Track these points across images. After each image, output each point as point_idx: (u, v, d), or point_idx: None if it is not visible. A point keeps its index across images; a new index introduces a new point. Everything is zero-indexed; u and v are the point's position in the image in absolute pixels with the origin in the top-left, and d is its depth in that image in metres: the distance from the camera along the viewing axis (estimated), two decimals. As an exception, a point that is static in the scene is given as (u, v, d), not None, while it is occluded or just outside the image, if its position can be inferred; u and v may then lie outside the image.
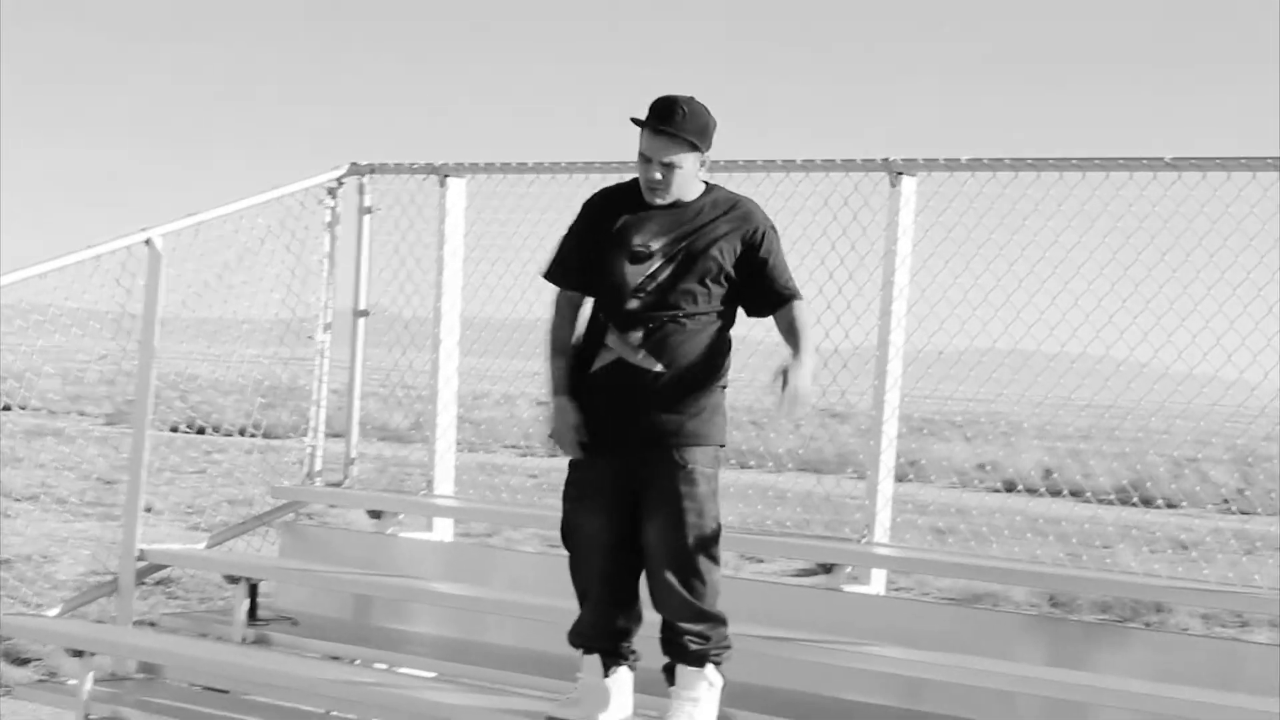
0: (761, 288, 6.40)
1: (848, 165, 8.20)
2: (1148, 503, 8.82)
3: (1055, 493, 20.85)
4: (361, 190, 9.69)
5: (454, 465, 9.43)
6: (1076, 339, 7.95)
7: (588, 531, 6.44)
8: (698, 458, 6.30)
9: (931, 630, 7.38)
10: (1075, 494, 19.84)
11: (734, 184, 8.52)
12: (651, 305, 6.32)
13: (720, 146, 6.51)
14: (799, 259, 8.37)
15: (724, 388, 6.43)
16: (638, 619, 6.50)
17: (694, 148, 6.33)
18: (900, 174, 8.03)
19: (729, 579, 6.67)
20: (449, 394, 9.40)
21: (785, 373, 6.14)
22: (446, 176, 9.41)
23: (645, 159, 6.36)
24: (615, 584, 6.44)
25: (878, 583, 7.95)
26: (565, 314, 6.53)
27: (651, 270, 6.33)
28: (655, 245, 6.36)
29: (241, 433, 9.90)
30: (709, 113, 6.39)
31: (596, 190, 6.66)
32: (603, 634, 6.48)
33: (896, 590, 11.96)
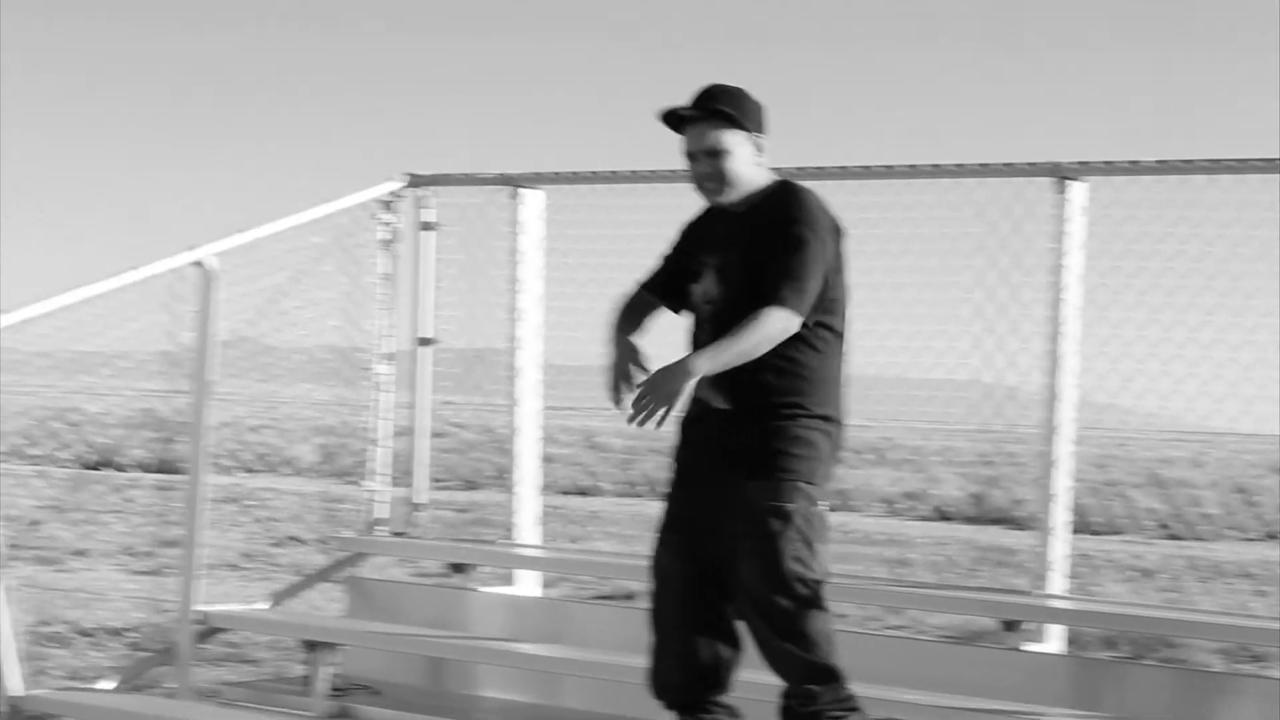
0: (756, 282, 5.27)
1: (1008, 170, 7.32)
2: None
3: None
4: (420, 204, 8.69)
5: (539, 511, 8.39)
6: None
7: (663, 567, 5.48)
8: (778, 493, 5.27)
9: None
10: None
11: (869, 193, 7.66)
12: (715, 331, 5.31)
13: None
14: (951, 275, 7.54)
15: (811, 418, 5.32)
16: (723, 671, 5.44)
17: (735, 124, 5.34)
18: (1067, 179, 7.17)
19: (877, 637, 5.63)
20: (532, 430, 8.40)
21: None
22: (519, 188, 8.43)
23: (690, 157, 5.41)
24: (692, 628, 5.42)
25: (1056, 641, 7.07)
26: (632, 302, 5.57)
27: (707, 289, 5.41)
28: (711, 259, 5.43)
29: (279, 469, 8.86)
30: (747, 92, 5.42)
31: None
32: (678, 686, 5.46)
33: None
